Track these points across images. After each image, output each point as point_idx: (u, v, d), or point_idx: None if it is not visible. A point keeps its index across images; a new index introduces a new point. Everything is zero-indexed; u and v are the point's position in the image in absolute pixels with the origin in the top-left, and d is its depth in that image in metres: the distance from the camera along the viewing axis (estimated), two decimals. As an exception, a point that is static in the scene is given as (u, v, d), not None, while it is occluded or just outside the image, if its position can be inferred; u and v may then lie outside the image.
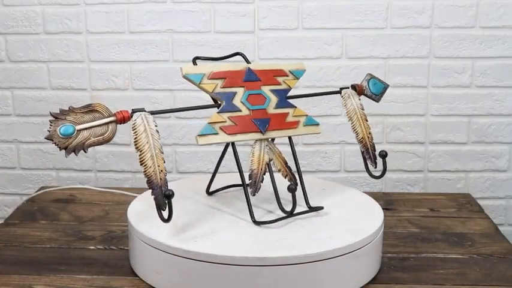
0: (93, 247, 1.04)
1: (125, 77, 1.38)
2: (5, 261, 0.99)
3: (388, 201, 1.26)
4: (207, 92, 0.94)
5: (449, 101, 1.37)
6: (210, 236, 0.90)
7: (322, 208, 0.98)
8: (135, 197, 1.09)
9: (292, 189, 0.92)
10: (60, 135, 0.85)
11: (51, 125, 0.84)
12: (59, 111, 0.85)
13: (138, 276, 0.93)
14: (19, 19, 1.37)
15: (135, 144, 0.87)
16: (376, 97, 1.08)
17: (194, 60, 1.00)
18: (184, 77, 0.93)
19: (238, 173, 0.94)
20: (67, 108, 0.86)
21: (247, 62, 1.03)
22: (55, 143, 0.85)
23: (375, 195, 1.15)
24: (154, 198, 0.85)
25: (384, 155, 1.00)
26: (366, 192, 1.13)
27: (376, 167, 1.03)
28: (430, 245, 1.06)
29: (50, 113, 0.85)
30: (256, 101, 0.96)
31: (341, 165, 1.40)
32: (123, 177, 1.43)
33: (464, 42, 1.34)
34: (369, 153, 1.03)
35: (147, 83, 1.38)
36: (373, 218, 0.97)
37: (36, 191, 1.32)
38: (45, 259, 0.99)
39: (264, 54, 1.36)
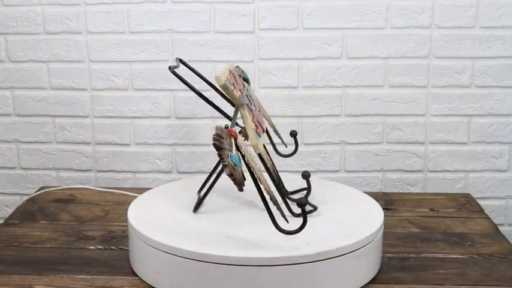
0: (93, 247, 1.04)
1: (124, 77, 1.38)
2: (5, 261, 0.99)
3: (388, 201, 1.26)
4: (234, 97, 0.89)
5: (449, 101, 1.37)
6: (210, 236, 0.90)
7: (306, 189, 1.03)
8: (135, 197, 1.09)
9: (306, 176, 0.98)
10: (235, 167, 0.73)
11: (223, 159, 0.72)
12: (217, 141, 0.74)
13: (138, 276, 0.93)
14: (19, 19, 1.37)
15: (247, 165, 0.80)
16: (249, 83, 1.10)
17: (170, 68, 0.94)
18: (223, 86, 0.87)
19: (269, 176, 0.95)
20: (215, 134, 0.75)
21: (190, 68, 1.01)
22: (235, 179, 0.73)
23: (375, 195, 1.15)
24: (282, 215, 0.84)
25: (294, 134, 1.07)
26: (366, 192, 1.13)
27: (287, 147, 1.11)
28: (430, 245, 1.06)
29: (214, 144, 0.73)
30: (249, 101, 0.96)
31: (341, 165, 1.40)
32: (123, 177, 1.43)
33: (464, 42, 1.34)
34: (280, 136, 1.08)
35: (147, 83, 1.38)
36: (373, 218, 0.97)
37: (36, 191, 1.32)
38: (45, 259, 0.99)
39: (264, 54, 1.36)
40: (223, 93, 0.96)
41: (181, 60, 1.02)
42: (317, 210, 0.98)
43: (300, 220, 0.86)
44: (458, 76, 1.36)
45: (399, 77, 1.36)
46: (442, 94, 1.37)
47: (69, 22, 1.36)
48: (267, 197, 0.84)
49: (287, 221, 0.86)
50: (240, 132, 0.91)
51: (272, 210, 0.84)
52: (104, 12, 1.35)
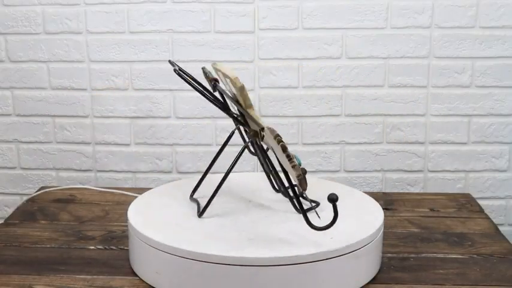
0: (93, 247, 1.04)
1: (124, 77, 1.38)
2: (5, 261, 0.99)
3: (388, 201, 1.26)
4: (246, 98, 0.88)
5: (449, 101, 1.37)
6: (210, 236, 0.90)
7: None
8: (135, 197, 1.09)
9: (303, 172, 0.97)
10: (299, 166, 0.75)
11: (291, 159, 0.74)
12: (283, 141, 0.74)
13: (138, 276, 0.93)
14: (19, 19, 1.37)
15: (289, 157, 0.79)
16: None
17: (176, 71, 0.94)
18: (241, 87, 0.87)
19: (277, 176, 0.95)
20: (277, 135, 0.75)
21: (181, 70, 1.01)
22: (302, 178, 0.74)
23: (375, 195, 1.15)
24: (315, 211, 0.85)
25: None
26: (366, 192, 1.13)
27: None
28: (430, 245, 1.06)
29: (282, 145, 0.74)
30: None
31: (341, 165, 1.40)
32: (123, 177, 1.43)
33: (464, 42, 1.34)
34: None
35: (147, 83, 1.39)
36: (373, 218, 0.97)
37: (36, 191, 1.32)
38: (45, 259, 0.99)
39: (264, 54, 1.36)
40: (208, 94, 0.95)
41: (174, 63, 1.02)
42: (317, 210, 0.98)
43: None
44: (458, 76, 1.36)
45: (399, 77, 1.36)
46: (442, 94, 1.37)
47: (69, 22, 1.36)
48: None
49: (319, 217, 0.88)
50: (247, 133, 0.91)
51: (304, 207, 0.86)
52: (104, 12, 1.35)
